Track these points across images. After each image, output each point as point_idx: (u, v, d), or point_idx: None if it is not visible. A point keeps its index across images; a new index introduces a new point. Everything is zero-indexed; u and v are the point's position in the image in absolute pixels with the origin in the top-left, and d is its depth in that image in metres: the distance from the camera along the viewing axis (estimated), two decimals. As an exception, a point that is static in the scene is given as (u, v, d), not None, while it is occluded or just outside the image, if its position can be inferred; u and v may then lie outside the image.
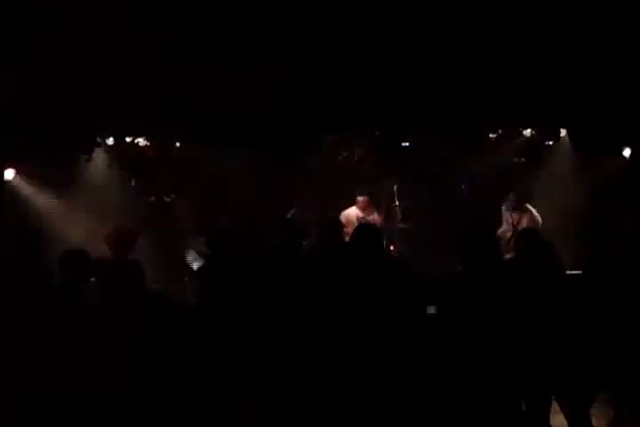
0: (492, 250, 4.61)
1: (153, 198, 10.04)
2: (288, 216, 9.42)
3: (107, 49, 7.51)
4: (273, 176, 10.14)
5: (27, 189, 9.54)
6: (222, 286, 5.55)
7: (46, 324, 4.70)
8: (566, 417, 4.99)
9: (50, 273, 5.26)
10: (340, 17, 7.39)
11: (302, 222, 8.54)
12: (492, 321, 4.41)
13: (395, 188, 9.98)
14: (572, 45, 7.37)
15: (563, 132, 9.24)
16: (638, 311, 5.25)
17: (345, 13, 7.35)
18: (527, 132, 9.38)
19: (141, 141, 9.66)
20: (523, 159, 10.15)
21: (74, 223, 9.72)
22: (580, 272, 5.56)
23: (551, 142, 9.69)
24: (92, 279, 5.21)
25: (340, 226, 6.21)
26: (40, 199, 9.62)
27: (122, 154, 9.84)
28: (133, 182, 9.88)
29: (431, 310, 5.11)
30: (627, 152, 9.29)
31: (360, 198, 9.66)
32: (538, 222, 8.71)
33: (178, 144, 9.84)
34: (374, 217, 9.64)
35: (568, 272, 5.50)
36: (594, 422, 5.01)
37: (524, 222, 8.64)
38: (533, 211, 8.79)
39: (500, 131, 9.64)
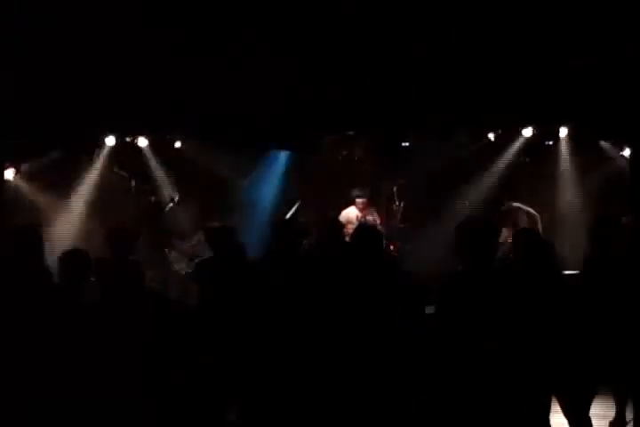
0: (492, 249, 4.60)
1: (153, 198, 10.04)
2: (288, 216, 9.43)
3: (107, 49, 7.52)
4: (273, 176, 10.15)
5: (27, 188, 9.55)
6: (222, 286, 5.56)
7: (46, 324, 4.70)
8: (566, 417, 4.99)
9: (50, 273, 5.25)
10: (339, 17, 7.39)
11: (302, 222, 8.58)
12: (491, 321, 4.40)
13: (395, 188, 9.99)
14: (572, 45, 7.38)
15: (563, 132, 9.23)
16: (637, 311, 5.25)
17: (345, 13, 7.36)
18: (527, 132, 9.37)
19: (141, 141, 9.66)
20: (523, 159, 10.15)
21: (74, 223, 9.73)
22: (579, 272, 5.57)
23: (551, 142, 9.69)
24: (92, 279, 5.21)
25: (340, 226, 6.21)
26: (40, 199, 9.63)
27: (122, 154, 9.84)
28: (133, 183, 9.88)
29: (431, 309, 5.11)
30: (627, 152, 9.30)
31: (359, 200, 9.67)
32: (534, 215, 8.71)
33: (178, 144, 9.84)
34: (374, 217, 9.64)
35: (567, 272, 5.51)
36: (594, 422, 5.01)
37: (522, 222, 8.63)
38: (524, 208, 8.79)
39: (499, 131, 9.63)
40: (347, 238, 6.13)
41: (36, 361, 4.60)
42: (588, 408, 5.01)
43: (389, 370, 4.65)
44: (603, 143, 9.38)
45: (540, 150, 9.87)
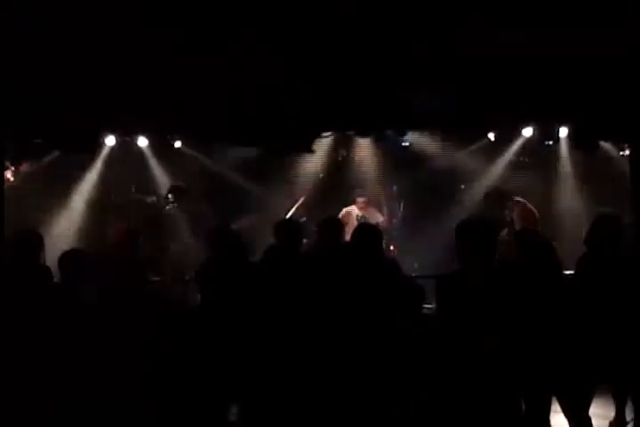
0: (491, 248, 4.60)
1: (154, 198, 10.04)
2: (288, 216, 9.43)
3: (107, 49, 7.51)
4: (272, 176, 10.15)
5: (27, 188, 9.55)
6: (223, 287, 5.56)
7: (46, 324, 4.71)
8: (566, 417, 4.99)
9: (50, 273, 5.26)
10: (339, 16, 7.39)
11: (302, 222, 8.58)
12: (491, 320, 4.41)
13: (395, 188, 10.00)
14: (572, 44, 7.37)
15: (563, 132, 9.23)
16: (637, 311, 5.26)
17: (344, 12, 7.35)
18: (527, 132, 9.37)
19: (141, 141, 9.65)
20: (523, 159, 10.14)
21: (74, 223, 9.74)
22: (574, 272, 5.56)
23: (551, 142, 9.68)
24: (92, 279, 5.21)
25: (340, 226, 6.21)
26: (40, 199, 9.63)
27: (123, 154, 9.85)
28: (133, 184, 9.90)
29: (430, 309, 5.12)
30: (627, 152, 9.29)
31: (359, 199, 9.67)
32: (533, 212, 8.71)
33: (178, 144, 9.83)
34: (374, 217, 9.65)
35: (568, 272, 5.51)
36: (594, 422, 5.02)
37: (519, 216, 8.62)
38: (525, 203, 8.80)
39: (499, 131, 9.63)
40: (347, 238, 6.12)
41: (36, 361, 4.60)
42: (588, 408, 5.01)
43: (389, 370, 4.66)
44: (603, 143, 9.38)
45: (540, 150, 9.87)
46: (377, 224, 8.69)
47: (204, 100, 7.99)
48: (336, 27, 7.43)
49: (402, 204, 9.95)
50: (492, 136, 9.70)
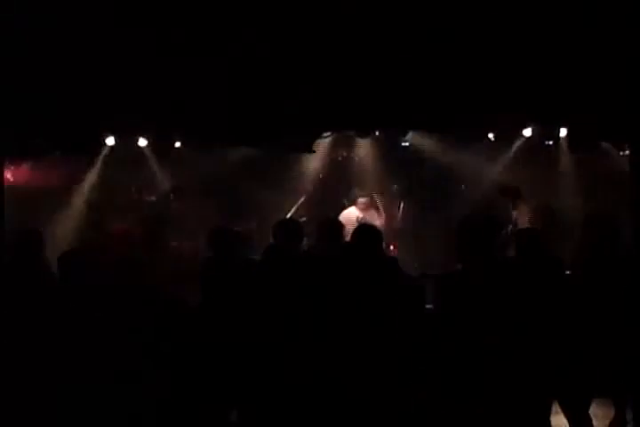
0: (491, 247, 4.60)
1: (153, 198, 10.04)
2: (288, 216, 9.44)
3: (107, 49, 7.51)
4: (272, 176, 10.15)
5: (27, 188, 9.55)
6: (223, 287, 5.56)
7: (46, 324, 4.71)
8: (566, 417, 4.99)
9: (50, 273, 5.26)
10: (339, 16, 7.39)
11: (302, 222, 8.58)
12: (491, 320, 4.41)
13: (395, 188, 10.00)
14: (572, 45, 7.37)
15: (563, 132, 9.23)
16: (637, 311, 5.26)
17: (344, 12, 7.36)
18: (527, 132, 9.37)
19: (141, 141, 9.65)
20: (523, 159, 10.14)
21: (73, 223, 9.74)
22: (571, 272, 5.56)
23: (551, 142, 9.68)
24: (92, 279, 5.21)
25: (340, 226, 6.21)
26: (40, 199, 9.63)
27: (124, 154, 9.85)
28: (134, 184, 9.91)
29: (430, 309, 5.12)
30: (627, 152, 9.29)
31: (361, 200, 9.68)
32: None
33: (177, 144, 9.83)
34: (374, 217, 9.65)
35: (567, 272, 5.51)
36: (594, 422, 5.02)
37: (522, 218, 8.62)
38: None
39: (499, 131, 9.62)
40: (347, 238, 6.12)
41: (36, 361, 4.60)
42: (588, 408, 5.01)
43: (389, 370, 4.66)
44: (603, 143, 9.38)
45: (540, 150, 9.87)
46: (377, 224, 8.70)
47: (204, 100, 7.99)
48: (336, 27, 7.43)
49: (402, 204, 9.95)
50: (491, 136, 9.70)
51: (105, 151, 9.69)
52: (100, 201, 9.96)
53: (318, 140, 9.56)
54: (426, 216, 10.07)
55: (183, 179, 10.11)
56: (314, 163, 10.34)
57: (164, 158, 10.06)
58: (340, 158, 10.56)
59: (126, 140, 9.54)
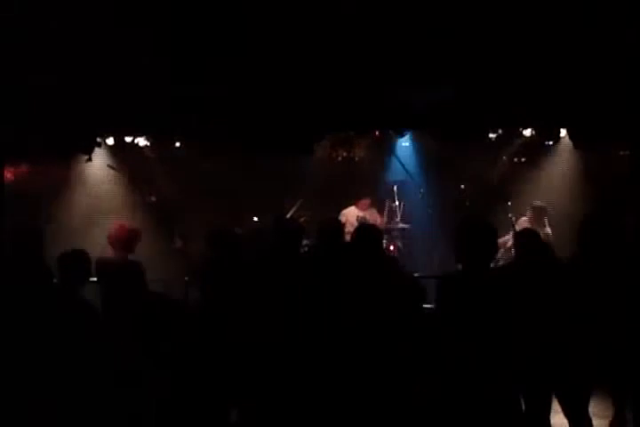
0: (490, 249, 4.61)
1: (153, 198, 10.04)
2: (288, 216, 9.44)
3: (107, 49, 7.52)
4: (273, 176, 10.15)
5: (27, 188, 9.55)
6: (223, 287, 5.56)
7: (46, 324, 4.71)
8: (567, 417, 5.00)
9: (50, 273, 5.25)
10: (339, 17, 7.39)
11: (302, 222, 8.58)
12: (490, 321, 4.41)
13: (395, 188, 10.01)
14: (572, 45, 7.38)
15: (563, 133, 9.23)
16: (637, 311, 5.26)
17: (344, 13, 7.36)
18: (527, 132, 9.37)
19: (141, 141, 9.66)
20: (523, 159, 10.14)
21: (73, 223, 9.74)
22: (577, 271, 5.55)
23: (551, 142, 9.69)
24: (92, 279, 5.21)
25: (340, 226, 6.21)
26: (40, 199, 9.63)
27: (123, 154, 9.85)
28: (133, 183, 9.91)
29: (430, 309, 5.12)
30: (627, 152, 9.28)
31: (360, 200, 9.69)
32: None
33: (177, 144, 9.84)
34: (374, 217, 9.66)
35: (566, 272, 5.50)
36: (594, 421, 5.02)
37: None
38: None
39: (499, 131, 9.63)
40: (347, 238, 6.13)
41: (35, 362, 4.60)
42: (587, 407, 5.01)
43: (390, 369, 4.66)
44: (603, 143, 9.37)
45: (540, 150, 9.88)
46: (376, 224, 8.70)
47: (204, 100, 7.99)
48: (336, 27, 7.44)
49: (402, 204, 9.95)
50: (492, 136, 9.71)
51: (105, 151, 9.70)
52: (100, 201, 9.96)
53: (318, 141, 9.58)
54: (426, 216, 10.07)
55: (183, 178, 10.11)
56: (314, 163, 10.34)
57: (164, 158, 10.07)
58: (339, 158, 10.55)
59: (126, 140, 9.55)
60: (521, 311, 4.50)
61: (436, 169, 10.29)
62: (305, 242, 6.34)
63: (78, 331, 4.70)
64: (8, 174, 9.11)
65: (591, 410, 5.04)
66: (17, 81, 7.57)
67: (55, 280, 5.18)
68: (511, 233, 8.47)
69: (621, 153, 9.43)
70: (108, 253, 6.68)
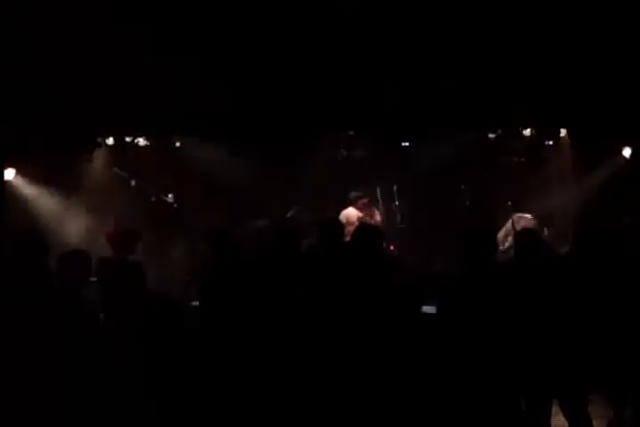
0: (491, 250, 4.61)
1: (153, 198, 10.04)
2: (288, 216, 9.43)
3: (107, 49, 7.52)
4: (273, 176, 10.15)
5: (27, 188, 9.55)
6: (223, 287, 5.56)
7: (46, 324, 4.70)
8: (566, 417, 4.99)
9: (50, 273, 5.25)
10: (340, 16, 7.40)
11: (302, 222, 8.58)
12: (491, 321, 4.41)
13: (395, 188, 10.00)
14: (573, 45, 7.38)
15: (563, 133, 9.24)
16: (637, 311, 5.26)
17: (345, 13, 7.36)
18: (527, 132, 9.38)
19: (141, 141, 9.66)
20: (523, 159, 10.15)
21: (74, 223, 9.73)
22: (575, 271, 5.55)
23: (551, 142, 9.69)
24: (92, 279, 5.21)
25: (340, 226, 6.21)
26: (40, 199, 9.63)
27: (122, 154, 9.85)
28: (133, 183, 9.88)
29: (430, 309, 5.12)
30: (627, 152, 9.29)
31: (360, 200, 9.68)
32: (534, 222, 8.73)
33: (177, 144, 9.84)
34: (374, 217, 9.65)
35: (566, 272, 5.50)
36: (594, 422, 5.01)
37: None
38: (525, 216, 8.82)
39: (499, 131, 9.64)
40: (347, 238, 6.13)
41: (35, 362, 4.60)
42: (587, 407, 5.01)
43: (389, 370, 4.65)
44: (603, 143, 9.38)
45: (540, 150, 9.88)
46: (376, 224, 8.70)
47: (204, 100, 8.00)
48: (336, 27, 7.44)
49: (402, 204, 9.94)
50: (492, 136, 9.71)
51: (105, 151, 9.70)
52: (100, 201, 9.96)
53: (317, 139, 9.60)
54: (426, 216, 10.07)
55: (183, 178, 10.11)
56: (314, 163, 10.33)
57: (164, 158, 10.06)
58: (339, 158, 10.54)
59: (126, 140, 9.55)
60: (521, 311, 4.50)
61: (436, 169, 10.28)
62: (305, 242, 6.33)
63: (78, 331, 4.70)
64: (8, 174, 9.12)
65: (591, 410, 5.03)
66: (17, 81, 7.57)
67: (55, 280, 5.18)
68: (503, 229, 8.49)
69: (621, 153, 9.45)
70: (109, 253, 6.68)
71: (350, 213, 9.62)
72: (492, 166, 10.17)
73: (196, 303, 5.88)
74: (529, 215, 8.88)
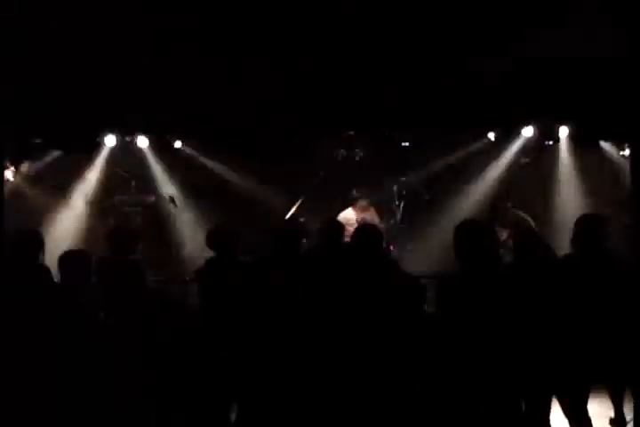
0: (490, 250, 4.61)
1: (153, 198, 10.04)
2: (288, 216, 9.43)
3: (107, 49, 7.52)
4: (273, 176, 10.15)
5: (27, 189, 9.56)
6: (223, 287, 5.56)
7: (46, 324, 4.70)
8: (566, 417, 4.99)
9: (50, 273, 5.25)
10: (340, 15, 7.39)
11: (302, 222, 8.58)
12: (491, 321, 4.41)
13: (395, 188, 10.00)
14: (572, 45, 7.38)
15: (563, 133, 9.23)
16: (637, 311, 5.26)
17: (345, 13, 7.36)
18: (527, 132, 9.37)
19: (142, 141, 9.66)
20: (523, 159, 10.15)
21: (74, 223, 9.74)
22: (573, 270, 5.55)
23: (551, 142, 9.69)
24: (93, 279, 5.20)
25: (340, 226, 6.21)
26: (40, 199, 9.63)
27: (123, 154, 9.85)
28: (134, 183, 9.89)
29: (430, 309, 5.12)
30: (627, 152, 9.29)
31: (359, 201, 9.68)
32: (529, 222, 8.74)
33: (178, 144, 9.84)
34: (374, 217, 9.65)
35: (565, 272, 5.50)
36: (594, 422, 5.02)
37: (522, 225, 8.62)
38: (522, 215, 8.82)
39: (499, 131, 9.64)
40: (347, 239, 6.12)
41: (35, 362, 4.60)
42: (587, 406, 5.01)
43: (390, 370, 4.65)
44: (603, 143, 9.39)
45: (540, 150, 9.88)
46: (377, 225, 8.69)
47: (204, 100, 8.00)
48: (336, 27, 7.44)
49: (402, 204, 9.95)
50: (491, 136, 9.71)
51: (105, 151, 9.70)
52: (100, 201, 9.97)
53: (318, 140, 9.60)
54: (425, 216, 10.07)
55: (183, 178, 10.11)
56: (314, 163, 10.33)
57: (164, 158, 10.07)
58: (339, 158, 10.55)
59: (126, 140, 9.55)
60: (521, 311, 4.50)
61: (437, 169, 10.29)
62: (305, 242, 6.32)
63: (78, 331, 4.70)
64: (8, 174, 9.11)
65: (591, 410, 5.03)
66: (17, 81, 7.56)
67: (55, 280, 5.18)
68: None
69: (621, 153, 9.45)
70: (108, 253, 6.68)
71: (350, 214, 9.62)
72: (492, 166, 10.17)
73: (196, 303, 5.88)
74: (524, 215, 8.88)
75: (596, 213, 5.82)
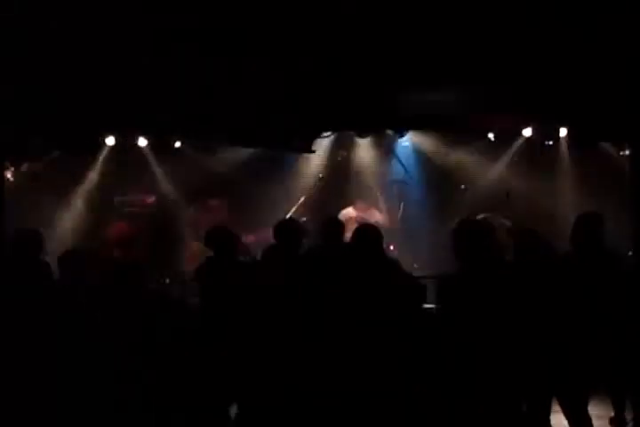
0: (489, 249, 4.61)
1: (153, 198, 10.05)
2: (288, 216, 9.43)
3: (107, 48, 7.51)
4: (273, 176, 10.15)
5: (27, 188, 9.56)
6: (223, 287, 5.56)
7: (46, 324, 4.71)
8: (567, 417, 4.99)
9: (50, 273, 5.26)
10: (340, 15, 7.39)
11: (302, 222, 8.57)
12: (490, 321, 4.42)
13: (395, 188, 10.00)
14: (572, 45, 7.37)
15: (563, 132, 9.23)
16: (637, 311, 5.26)
17: (344, 14, 7.36)
18: (527, 132, 9.37)
19: (141, 141, 9.66)
20: (523, 159, 10.14)
21: (74, 223, 9.74)
22: (572, 270, 5.55)
23: (551, 142, 9.69)
24: (92, 279, 5.21)
25: (340, 226, 6.21)
26: (40, 199, 9.63)
27: (123, 154, 9.86)
28: (134, 183, 9.90)
29: (430, 309, 5.12)
30: (627, 152, 9.28)
31: (359, 201, 9.69)
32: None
33: (178, 144, 9.84)
34: (373, 217, 9.65)
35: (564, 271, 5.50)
36: (594, 422, 5.02)
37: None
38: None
39: (499, 131, 9.63)
40: (347, 239, 6.12)
41: (35, 361, 4.60)
42: (587, 407, 5.01)
43: (390, 370, 4.66)
44: (603, 143, 9.38)
45: (540, 150, 9.88)
46: (377, 224, 8.69)
47: (204, 100, 7.99)
48: (336, 27, 7.43)
49: (401, 204, 9.95)
50: (491, 136, 9.71)
51: (105, 151, 9.71)
52: (100, 201, 9.97)
53: (318, 140, 9.59)
54: (426, 216, 10.07)
55: (183, 178, 10.11)
56: (314, 163, 10.34)
57: (164, 158, 10.07)
58: (339, 158, 10.55)
59: (126, 140, 9.55)
60: (521, 311, 4.50)
61: (437, 169, 10.28)
62: (305, 242, 6.32)
63: (78, 331, 4.70)
64: (8, 174, 9.11)
65: (591, 410, 5.04)
66: (17, 81, 7.56)
67: (55, 280, 5.19)
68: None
69: (621, 153, 9.44)
70: (108, 253, 6.69)
71: (349, 213, 9.62)
72: (492, 166, 10.17)
73: (195, 303, 5.88)
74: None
75: (594, 212, 5.81)
